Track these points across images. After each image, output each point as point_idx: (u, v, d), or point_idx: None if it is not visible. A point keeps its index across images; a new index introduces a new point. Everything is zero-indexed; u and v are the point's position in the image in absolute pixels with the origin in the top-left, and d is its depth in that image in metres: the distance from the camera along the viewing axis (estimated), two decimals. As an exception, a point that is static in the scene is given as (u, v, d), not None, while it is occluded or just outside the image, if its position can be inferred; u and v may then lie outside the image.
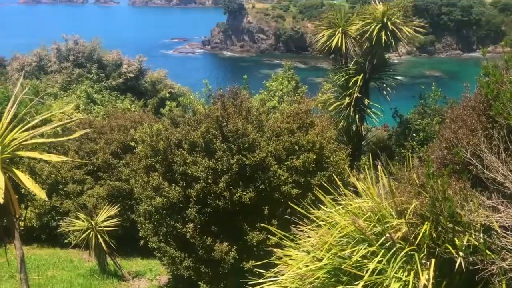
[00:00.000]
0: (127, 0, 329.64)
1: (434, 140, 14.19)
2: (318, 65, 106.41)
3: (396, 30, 14.07)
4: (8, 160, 6.64)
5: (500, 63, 8.77)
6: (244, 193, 11.18)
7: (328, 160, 12.21)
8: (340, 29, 15.41)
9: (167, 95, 24.07)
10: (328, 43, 15.75)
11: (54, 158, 7.00)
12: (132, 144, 15.42)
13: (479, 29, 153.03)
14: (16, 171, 6.64)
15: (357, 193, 7.58)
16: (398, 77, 16.70)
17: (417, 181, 7.27)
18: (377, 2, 14.94)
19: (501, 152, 7.25)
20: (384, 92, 15.37)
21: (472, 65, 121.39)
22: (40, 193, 6.51)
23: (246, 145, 11.59)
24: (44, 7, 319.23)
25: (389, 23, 13.95)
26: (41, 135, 6.75)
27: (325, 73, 18.20)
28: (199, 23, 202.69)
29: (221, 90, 14.06)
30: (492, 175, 6.87)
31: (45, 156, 6.77)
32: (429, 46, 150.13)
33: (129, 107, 22.49)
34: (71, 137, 7.82)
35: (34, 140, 6.42)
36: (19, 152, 6.46)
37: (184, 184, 11.73)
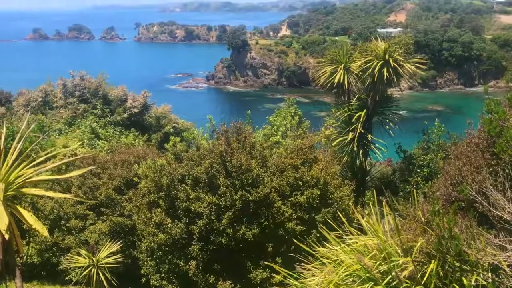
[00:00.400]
0: (133, 36, 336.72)
1: (438, 176, 14.12)
2: (321, 99, 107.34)
3: (398, 67, 14.24)
4: (11, 197, 6.64)
5: (503, 100, 8.84)
6: (248, 229, 11.08)
7: (332, 196, 12.13)
8: (342, 65, 15.62)
9: (171, 130, 24.19)
10: (330, 79, 15.93)
11: (58, 195, 6.99)
12: (135, 179, 15.39)
13: (480, 64, 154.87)
14: (20, 208, 6.61)
15: (362, 230, 7.49)
16: (401, 112, 16.76)
17: (423, 218, 7.19)
18: (378, 40, 15.18)
19: (507, 189, 7.20)
20: (387, 127, 15.41)
21: (474, 100, 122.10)
22: (43, 231, 6.47)
23: (249, 181, 11.56)
24: (51, 43, 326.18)
25: (390, 60, 14.14)
26: (46, 172, 6.75)
27: (328, 107, 18.32)
28: (203, 59, 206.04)
29: (225, 126, 14.14)
30: (499, 213, 6.80)
31: (50, 193, 6.76)
32: (431, 81, 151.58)
33: (133, 142, 22.59)
34: (75, 174, 7.80)
35: (38, 177, 6.43)
36: (23, 190, 6.45)
37: (187, 221, 11.64)
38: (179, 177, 12.35)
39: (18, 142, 7.03)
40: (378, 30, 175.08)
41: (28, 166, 6.56)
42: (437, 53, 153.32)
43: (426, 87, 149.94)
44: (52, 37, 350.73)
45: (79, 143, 20.97)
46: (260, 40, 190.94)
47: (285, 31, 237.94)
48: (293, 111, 20.04)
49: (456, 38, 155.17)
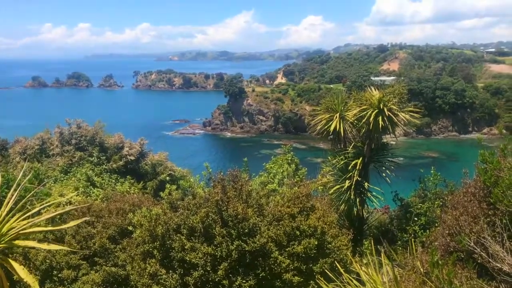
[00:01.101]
0: (131, 84, 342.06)
1: (436, 225, 14.02)
2: (317, 146, 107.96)
3: (393, 116, 14.43)
4: (2, 249, 6.51)
5: (497, 150, 8.93)
6: (244, 281, 10.83)
7: (330, 245, 11.96)
8: (338, 114, 15.83)
9: (167, 178, 24.11)
10: (326, 127, 16.09)
11: (52, 247, 6.86)
12: (130, 228, 15.18)
13: (474, 111, 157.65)
14: (11, 261, 6.47)
15: (360, 281, 7.35)
16: (397, 159, 16.82)
17: (422, 269, 7.08)
18: (373, 89, 15.47)
19: (505, 240, 7.14)
20: (384, 175, 15.43)
21: (469, 147, 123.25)
22: (34, 284, 6.30)
23: (246, 230, 11.41)
24: (50, 90, 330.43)
25: (385, 109, 14.35)
26: (40, 223, 6.66)
27: (324, 154, 18.40)
28: (201, 106, 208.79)
29: (222, 173, 14.11)
30: (498, 265, 6.70)
31: (43, 246, 6.63)
32: (426, 128, 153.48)
33: (128, 189, 22.45)
34: (69, 225, 7.69)
35: (32, 229, 6.33)
36: (16, 242, 6.33)
37: (182, 272, 11.39)
38: (174, 226, 12.19)
39: (13, 192, 6.97)
40: (372, 78, 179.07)
41: (22, 218, 6.48)
42: (430, 101, 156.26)
43: (421, 134, 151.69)
44: (51, 85, 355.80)
45: (74, 192, 20.81)
46: (256, 87, 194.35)
47: (281, 79, 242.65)
48: (289, 158, 20.11)
49: (449, 86, 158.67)
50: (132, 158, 26.01)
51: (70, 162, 25.27)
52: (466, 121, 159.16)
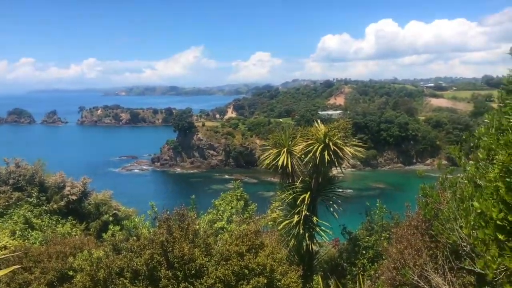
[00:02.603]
0: (76, 120, 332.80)
1: (383, 257, 14.18)
2: (268, 180, 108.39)
3: (338, 150, 14.69)
4: None
5: (436, 184, 9.20)
6: (191, 325, 10.38)
7: (279, 283, 11.75)
8: (285, 149, 15.93)
9: (110, 218, 23.17)
10: (274, 162, 16.12)
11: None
12: (71, 273, 14.33)
13: (417, 143, 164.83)
14: None
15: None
16: (346, 191, 17.01)
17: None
18: (319, 124, 15.74)
19: (446, 272, 7.25)
20: (331, 209, 15.54)
21: (414, 177, 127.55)
22: None
23: (193, 271, 11.04)
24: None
25: (330, 144, 14.59)
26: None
27: (275, 188, 18.41)
28: (149, 141, 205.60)
29: (167, 212, 13.70)
30: (442, 299, 6.78)
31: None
32: (372, 160, 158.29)
33: (69, 231, 21.35)
34: (0, 273, 7.09)
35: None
36: None
37: (125, 318, 10.79)
38: (117, 270, 11.60)
39: None
40: (320, 112, 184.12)
41: None
42: (376, 133, 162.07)
43: (368, 165, 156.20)
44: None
45: (10, 235, 19.55)
46: (206, 122, 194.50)
47: (231, 114, 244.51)
48: (239, 194, 19.93)
49: (393, 119, 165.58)
50: (74, 197, 24.87)
51: (6, 203, 23.82)
52: (410, 153, 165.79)
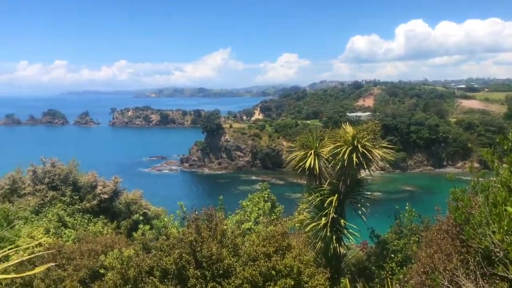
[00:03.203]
0: (107, 121, 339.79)
1: (412, 261, 13.98)
2: (295, 181, 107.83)
3: (367, 152, 14.57)
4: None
5: (468, 187, 9.01)
6: (219, 324, 10.49)
7: (306, 285, 11.74)
8: (312, 151, 15.89)
9: (141, 218, 23.58)
10: (301, 163, 16.10)
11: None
12: (102, 271, 14.67)
13: (448, 146, 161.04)
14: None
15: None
16: (374, 194, 16.82)
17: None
18: (347, 126, 15.64)
19: (478, 278, 7.11)
20: (360, 212, 15.41)
21: (444, 180, 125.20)
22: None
23: (220, 271, 11.16)
24: (24, 128, 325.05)
25: (359, 146, 14.48)
26: (4, 271, 6.32)
27: (302, 190, 18.38)
28: (178, 142, 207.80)
29: (196, 212, 13.87)
30: (473, 305, 6.65)
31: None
32: (401, 163, 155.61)
33: (101, 230, 21.84)
34: (36, 271, 7.36)
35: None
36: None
37: (155, 316, 10.99)
38: (147, 268, 11.84)
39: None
40: (348, 114, 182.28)
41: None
42: (405, 136, 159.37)
43: (397, 168, 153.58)
44: (25, 122, 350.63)
45: (45, 233, 20.15)
46: (234, 123, 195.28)
47: (258, 115, 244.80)
48: (266, 195, 19.97)
49: (423, 121, 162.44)
50: (106, 196, 25.44)
51: (42, 201, 24.55)
52: (440, 156, 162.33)
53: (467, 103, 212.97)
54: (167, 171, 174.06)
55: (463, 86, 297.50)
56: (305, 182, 16.94)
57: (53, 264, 13.98)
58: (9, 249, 7.61)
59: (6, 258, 12.72)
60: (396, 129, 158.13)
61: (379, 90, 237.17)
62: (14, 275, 7.07)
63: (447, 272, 8.06)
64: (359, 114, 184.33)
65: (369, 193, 16.03)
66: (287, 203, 21.67)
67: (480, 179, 8.85)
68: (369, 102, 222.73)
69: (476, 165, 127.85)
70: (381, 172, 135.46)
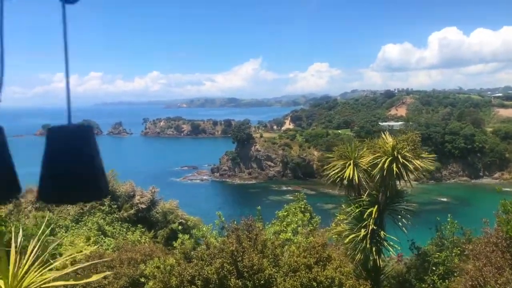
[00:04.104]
0: (140, 131, 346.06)
1: (455, 274, 13.68)
2: (326, 192, 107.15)
3: (407, 163, 14.41)
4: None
5: (518, 199, 8.82)
6: (261, 335, 10.53)
7: (347, 297, 11.67)
8: (351, 161, 15.82)
9: (180, 227, 23.90)
10: (340, 174, 16.05)
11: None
12: (142, 279, 14.93)
13: (484, 156, 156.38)
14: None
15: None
16: (413, 206, 16.49)
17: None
18: (386, 136, 15.53)
19: (534, 293, 6.94)
20: (400, 223, 15.22)
21: (481, 191, 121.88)
22: None
23: (262, 282, 11.21)
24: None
25: (399, 157, 14.35)
26: (62, 277, 6.58)
27: (334, 200, 18.30)
28: (209, 152, 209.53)
29: (235, 222, 14.02)
30: (529, 320, 6.50)
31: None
32: (436, 173, 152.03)
33: (139, 238, 22.25)
34: (93, 279, 7.63)
35: (54, 283, 6.25)
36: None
37: (198, 325, 11.12)
38: (189, 277, 11.99)
39: (35, 244, 6.96)
40: (380, 123, 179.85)
41: (43, 271, 6.43)
42: (440, 145, 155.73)
43: (431, 179, 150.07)
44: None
45: (85, 241, 20.68)
46: (264, 133, 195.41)
47: (288, 125, 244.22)
48: (302, 206, 19.94)
49: (458, 130, 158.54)
50: (143, 206, 25.93)
51: (81, 211, 25.22)
52: (477, 166, 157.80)
53: (504, 112, 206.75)
54: (198, 180, 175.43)
55: (500, 94, 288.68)
56: (338, 192, 16.85)
57: (110, 273, 14.29)
58: (63, 258, 7.90)
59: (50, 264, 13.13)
60: (430, 139, 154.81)
61: (412, 99, 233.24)
62: (73, 282, 7.32)
63: (498, 285, 7.91)
64: (391, 123, 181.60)
65: (409, 204, 15.81)
66: (320, 214, 21.55)
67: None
68: (401, 111, 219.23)
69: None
70: (415, 182, 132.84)
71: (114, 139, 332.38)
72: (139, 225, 25.05)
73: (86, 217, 25.00)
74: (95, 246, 20.54)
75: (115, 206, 26.03)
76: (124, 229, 24.30)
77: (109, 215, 25.26)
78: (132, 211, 25.84)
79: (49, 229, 19.57)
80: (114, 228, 23.81)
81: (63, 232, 22.46)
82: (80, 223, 24.34)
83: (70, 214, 25.36)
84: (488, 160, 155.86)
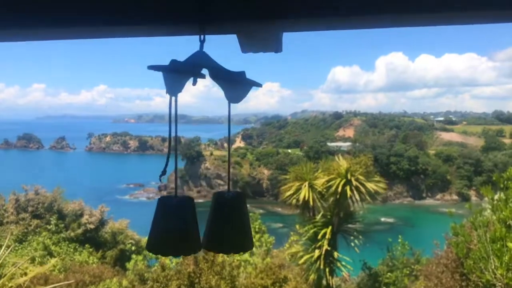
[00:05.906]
0: (84, 146, 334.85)
1: (406, 294, 14.19)
2: (274, 210, 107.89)
3: (360, 186, 14.90)
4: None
5: (465, 222, 9.38)
6: None
7: (304, 318, 11.81)
8: (307, 182, 16.16)
9: (133, 248, 23.27)
10: (295, 195, 16.33)
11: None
12: (93, 302, 14.42)
13: (427, 178, 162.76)
14: None
15: None
16: (363, 227, 17.05)
17: None
18: (339, 158, 16.01)
19: (483, 313, 7.38)
20: (352, 244, 15.63)
21: (423, 212, 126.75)
22: None
23: (219, 304, 11.15)
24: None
25: (352, 179, 14.83)
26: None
27: (289, 221, 18.55)
28: (156, 169, 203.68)
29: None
30: None
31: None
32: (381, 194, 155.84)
33: (87, 259, 21.47)
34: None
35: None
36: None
37: None
38: (144, 300, 11.75)
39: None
40: (329, 144, 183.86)
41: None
42: (385, 167, 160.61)
43: (376, 199, 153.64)
44: None
45: (29, 262, 19.70)
46: (214, 151, 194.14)
47: (239, 143, 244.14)
48: (257, 227, 20.01)
49: (402, 152, 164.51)
50: (92, 226, 25.06)
51: (26, 230, 24.04)
52: (420, 187, 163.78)
53: (446, 136, 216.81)
54: (145, 199, 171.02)
55: (442, 118, 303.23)
56: (291, 212, 17.10)
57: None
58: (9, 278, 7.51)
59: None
60: (376, 160, 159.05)
61: (359, 121, 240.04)
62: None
63: (450, 306, 8.29)
64: (339, 144, 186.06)
65: (361, 225, 16.30)
66: (271, 233, 21.66)
67: (477, 215, 9.20)
68: (349, 132, 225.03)
69: (454, 197, 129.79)
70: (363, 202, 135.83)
71: (56, 154, 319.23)
72: (86, 245, 24.16)
73: (31, 236, 23.87)
74: (41, 267, 19.62)
75: (62, 225, 25.01)
76: (71, 249, 23.36)
77: (55, 234, 24.23)
78: (79, 231, 24.89)
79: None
80: (61, 248, 22.85)
81: (4, 251, 21.28)
82: (24, 243, 23.20)
83: (13, 233, 24.13)
84: (431, 182, 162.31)
